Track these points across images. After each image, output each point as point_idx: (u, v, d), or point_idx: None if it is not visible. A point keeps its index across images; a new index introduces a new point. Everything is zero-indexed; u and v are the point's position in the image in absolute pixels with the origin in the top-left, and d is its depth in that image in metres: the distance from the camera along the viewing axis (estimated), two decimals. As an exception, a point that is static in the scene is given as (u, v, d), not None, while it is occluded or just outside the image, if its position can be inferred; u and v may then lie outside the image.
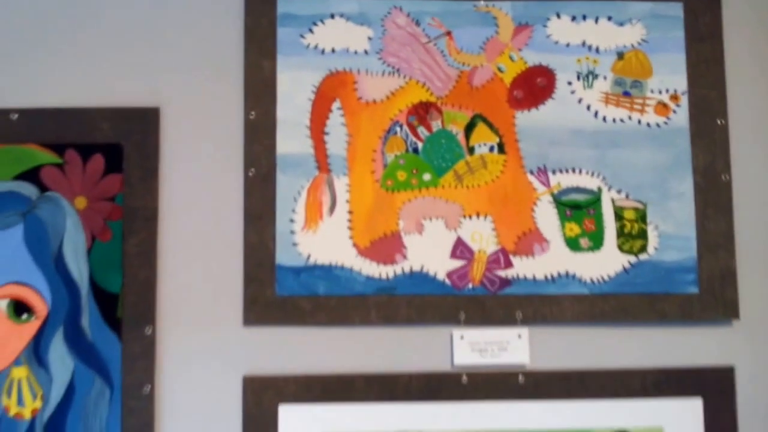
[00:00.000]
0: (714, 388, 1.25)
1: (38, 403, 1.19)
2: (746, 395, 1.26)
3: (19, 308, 1.20)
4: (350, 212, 1.24)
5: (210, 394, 1.21)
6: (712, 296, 1.25)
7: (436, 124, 1.27)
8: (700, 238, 1.26)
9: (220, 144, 1.25)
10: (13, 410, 1.19)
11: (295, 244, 1.23)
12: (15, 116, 1.24)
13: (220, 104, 1.26)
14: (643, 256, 1.26)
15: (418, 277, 1.24)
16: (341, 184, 1.25)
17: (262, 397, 1.21)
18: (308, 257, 1.23)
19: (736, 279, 1.26)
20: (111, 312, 1.21)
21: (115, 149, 1.23)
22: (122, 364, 1.20)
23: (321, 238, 1.24)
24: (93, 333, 1.20)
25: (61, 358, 1.20)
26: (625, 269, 1.26)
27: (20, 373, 1.19)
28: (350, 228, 1.24)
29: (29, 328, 1.20)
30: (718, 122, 1.28)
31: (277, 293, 1.22)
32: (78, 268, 1.21)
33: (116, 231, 1.22)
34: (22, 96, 1.25)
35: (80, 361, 1.20)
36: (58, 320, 1.20)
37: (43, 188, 1.22)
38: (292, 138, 1.25)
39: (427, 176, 1.25)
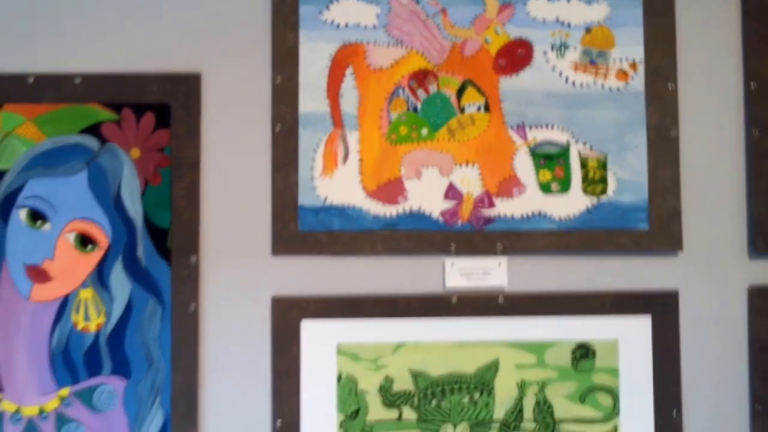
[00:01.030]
0: (661, 307, 1.46)
1: (102, 319, 1.41)
2: (687, 313, 1.47)
3: (85, 240, 1.41)
4: (360, 161, 1.44)
5: (244, 312, 1.43)
6: (660, 231, 1.46)
7: (432, 88, 1.45)
8: (651, 183, 1.46)
9: (252, 104, 1.44)
10: (81, 324, 1.40)
11: (314, 188, 1.44)
12: (78, 80, 1.41)
13: (252, 70, 1.44)
14: (603, 198, 1.46)
15: (417, 216, 1.45)
16: (353, 137, 1.45)
17: (287, 314, 1.42)
18: (325, 199, 1.44)
19: (680, 217, 1.45)
20: (162, 244, 1.41)
21: (163, 108, 1.42)
22: (171, 287, 1.40)
23: (336, 183, 1.44)
24: (147, 261, 1.41)
25: (120, 282, 1.40)
26: (588, 209, 1.46)
27: (86, 294, 1.41)
28: (360, 174, 1.44)
29: (93, 257, 1.42)
30: (669, 86, 1.48)
31: (299, 228, 1.43)
32: (134, 207, 1.41)
33: (165, 177, 1.42)
34: (85, 63, 1.43)
35: (136, 284, 1.41)
36: (118, 250, 1.41)
37: (103, 141, 1.41)
38: (312, 99, 1.44)
39: (424, 131, 1.46)
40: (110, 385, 1.41)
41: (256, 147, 1.45)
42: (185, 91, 1.43)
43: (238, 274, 1.44)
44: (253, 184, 1.44)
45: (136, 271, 1.41)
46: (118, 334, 1.41)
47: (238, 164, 1.45)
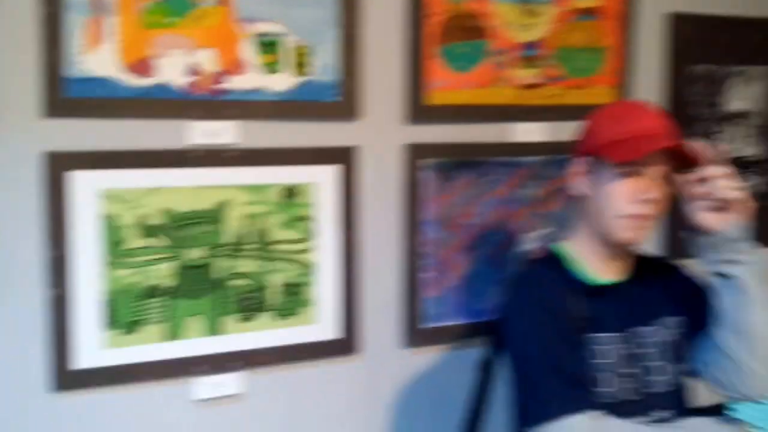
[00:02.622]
0: (346, 158, 1.99)
1: None
2: (363, 162, 2.03)
3: None
4: (119, 41, 1.75)
5: (21, 164, 1.71)
6: (347, 103, 1.98)
7: (178, -16, 1.81)
8: (343, 68, 1.96)
9: (24, -11, 1.67)
10: None
11: (79, 63, 1.72)
12: None
13: (23, -41, 1.67)
14: (309, 78, 1.93)
15: (166, 87, 1.79)
16: (113, 22, 1.74)
17: (59, 166, 1.72)
18: (90, 72, 1.73)
19: (361, 93, 1.99)
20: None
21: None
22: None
23: (99, 59, 1.73)
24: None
25: None
26: (297, 85, 1.91)
27: None
28: (119, 52, 1.75)
29: None
30: None
31: (67, 95, 1.71)
32: None
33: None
34: None
35: None
36: None
37: None
38: (77, -13, 1.72)
39: (171, 20, 1.78)
40: None
41: (25, 27, 1.69)
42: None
43: (13, 134, 1.71)
44: (25, 58, 1.69)
45: None
46: None
47: (8, 42, 1.68)
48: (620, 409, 1.61)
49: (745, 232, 1.61)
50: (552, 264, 1.72)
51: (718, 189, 1.59)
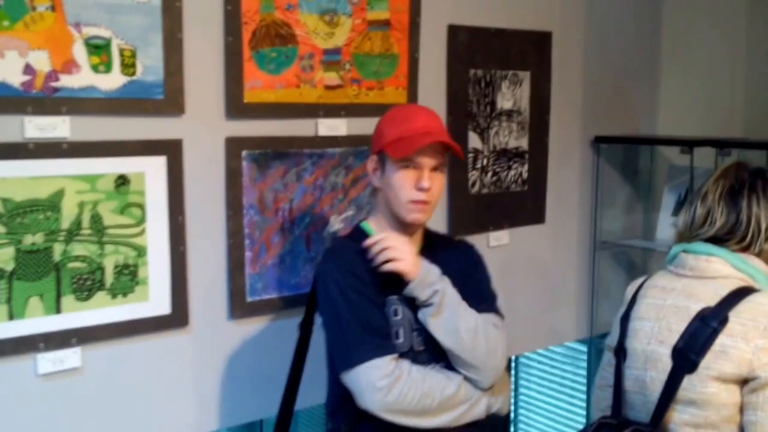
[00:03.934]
0: (172, 150, 2.21)
1: None
2: (188, 153, 2.25)
3: None
4: None
5: None
6: (171, 101, 2.18)
7: (12, -9, 1.97)
8: (165, 69, 2.17)
9: None
10: None
11: None
12: None
13: None
14: (134, 77, 2.12)
15: (3, 85, 1.94)
16: None
17: None
18: None
19: (183, 92, 2.24)
20: None
21: None
22: None
23: None
24: None
25: None
26: (125, 84, 2.11)
27: None
28: None
29: None
30: (177, 4, 2.20)
31: None
32: None
33: None
34: None
35: None
36: None
37: None
38: None
39: (6, 23, 1.93)
40: None
41: None
42: None
43: None
44: None
45: None
46: None
47: None
48: (413, 357, 1.96)
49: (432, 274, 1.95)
50: (357, 238, 2.05)
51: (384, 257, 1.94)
